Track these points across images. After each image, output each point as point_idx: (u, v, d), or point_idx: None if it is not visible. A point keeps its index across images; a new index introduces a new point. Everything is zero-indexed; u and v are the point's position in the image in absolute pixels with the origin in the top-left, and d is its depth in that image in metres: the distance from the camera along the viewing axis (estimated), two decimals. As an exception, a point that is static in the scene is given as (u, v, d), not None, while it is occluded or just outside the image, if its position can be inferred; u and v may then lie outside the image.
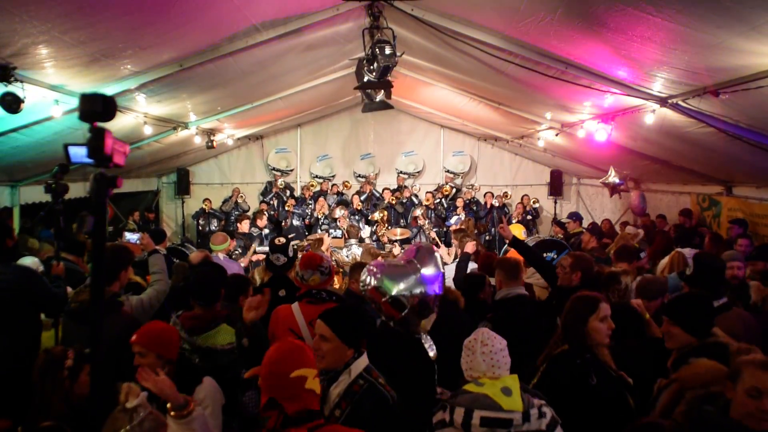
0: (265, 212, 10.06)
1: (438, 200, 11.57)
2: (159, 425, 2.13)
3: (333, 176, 12.80)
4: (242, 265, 6.92)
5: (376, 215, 10.59)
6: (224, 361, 2.91)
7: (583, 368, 2.54)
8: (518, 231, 6.58)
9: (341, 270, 6.28)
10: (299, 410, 1.91)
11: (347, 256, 6.88)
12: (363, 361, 2.36)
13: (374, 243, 9.48)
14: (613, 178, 8.06)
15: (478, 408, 2.13)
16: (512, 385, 2.20)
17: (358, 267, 4.15)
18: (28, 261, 4.36)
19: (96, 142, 1.32)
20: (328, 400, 2.26)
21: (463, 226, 7.78)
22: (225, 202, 11.75)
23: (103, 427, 2.12)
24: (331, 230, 9.21)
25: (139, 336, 2.56)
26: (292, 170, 12.76)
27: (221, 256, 5.94)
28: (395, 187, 12.34)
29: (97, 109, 1.32)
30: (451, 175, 12.70)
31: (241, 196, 11.74)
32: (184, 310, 3.15)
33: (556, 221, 10.29)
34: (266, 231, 9.48)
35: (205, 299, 3.11)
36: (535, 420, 2.12)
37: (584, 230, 7.98)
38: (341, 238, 7.77)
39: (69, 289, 3.92)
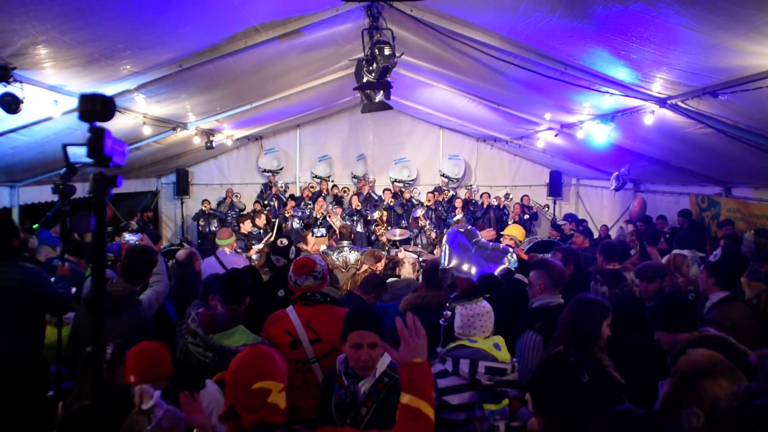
0: (263, 212, 10.06)
1: (438, 201, 11.56)
2: (178, 421, 2.14)
3: (332, 179, 12.78)
4: (247, 257, 6.97)
5: (375, 214, 10.57)
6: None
7: (576, 366, 2.53)
8: (517, 232, 6.58)
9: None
10: (254, 422, 1.82)
11: (337, 259, 6.79)
12: (387, 358, 2.35)
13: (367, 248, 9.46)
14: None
15: (481, 359, 2.60)
16: (500, 342, 2.72)
17: (378, 285, 4.06)
18: None
19: (96, 141, 1.32)
20: (356, 399, 2.31)
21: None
22: (220, 203, 11.77)
23: (122, 429, 2.13)
24: (315, 229, 9.15)
25: (138, 375, 2.47)
26: (282, 168, 12.72)
27: (227, 250, 5.95)
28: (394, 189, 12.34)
29: (96, 108, 1.32)
30: (446, 180, 12.69)
31: (236, 195, 11.75)
32: (204, 309, 3.17)
33: (553, 225, 10.31)
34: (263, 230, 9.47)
35: (229, 298, 3.13)
36: (516, 371, 2.68)
37: (576, 232, 8.02)
38: (326, 236, 7.67)
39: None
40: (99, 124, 1.33)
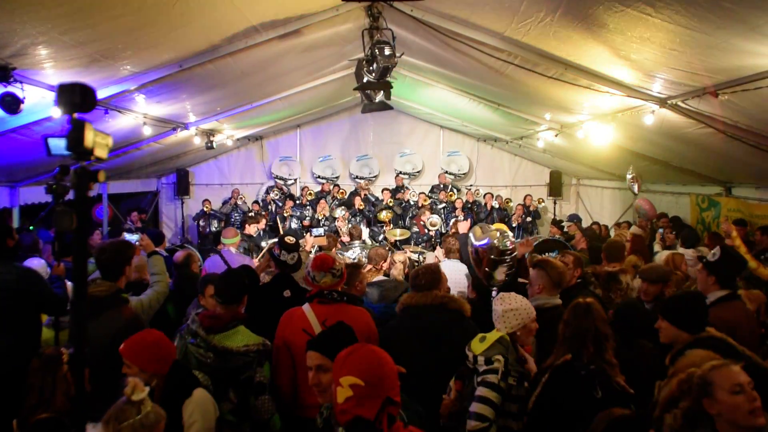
0: (263, 213, 10.06)
1: (443, 203, 11.54)
2: (160, 419, 2.17)
3: (336, 177, 12.78)
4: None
5: (383, 214, 10.57)
6: (239, 362, 2.91)
7: (588, 380, 2.49)
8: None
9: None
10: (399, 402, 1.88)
11: (353, 258, 6.88)
12: None
13: (378, 244, 9.50)
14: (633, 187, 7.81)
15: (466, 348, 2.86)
16: (490, 337, 2.79)
17: (350, 272, 4.10)
18: (35, 263, 4.35)
19: (75, 133, 1.25)
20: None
21: (454, 230, 7.76)
22: (225, 203, 11.76)
23: (108, 416, 2.13)
24: (313, 229, 9.17)
25: (126, 347, 2.52)
26: (295, 180, 12.74)
27: (232, 249, 5.96)
28: (394, 187, 12.32)
29: (75, 99, 1.26)
30: (451, 177, 12.69)
31: (241, 197, 11.73)
32: (204, 309, 3.16)
33: (554, 222, 10.31)
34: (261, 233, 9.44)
35: (227, 298, 3.13)
36: (480, 364, 2.70)
37: (579, 231, 8.02)
38: (323, 236, 7.70)
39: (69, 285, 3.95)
40: (79, 115, 1.27)
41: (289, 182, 12.62)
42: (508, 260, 3.66)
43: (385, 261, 5.20)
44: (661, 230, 7.76)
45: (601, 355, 2.56)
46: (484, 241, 3.81)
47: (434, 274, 3.34)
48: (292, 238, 4.04)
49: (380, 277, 4.63)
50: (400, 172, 12.78)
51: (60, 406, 2.51)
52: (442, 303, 3.20)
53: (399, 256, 5.00)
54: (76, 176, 1.29)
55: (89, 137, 1.27)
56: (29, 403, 2.48)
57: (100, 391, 2.40)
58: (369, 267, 5.35)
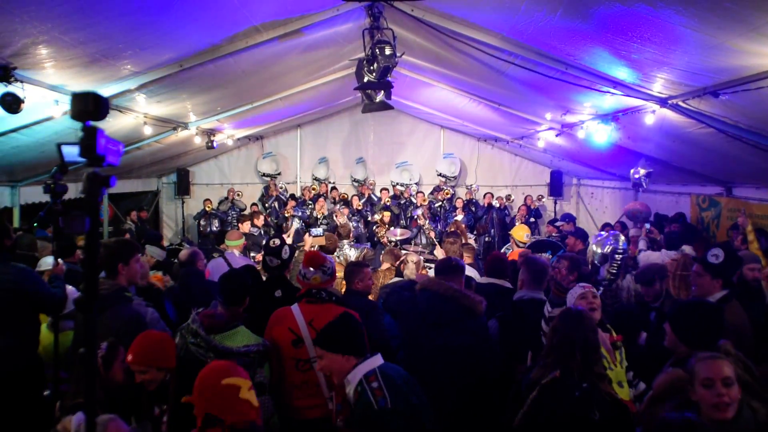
0: (261, 212, 10.05)
1: (439, 202, 11.54)
2: None
3: (333, 182, 12.75)
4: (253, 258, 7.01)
5: (377, 216, 10.58)
6: (239, 363, 2.92)
7: (584, 401, 2.35)
8: (522, 232, 6.58)
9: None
10: (242, 422, 1.82)
11: (338, 257, 6.80)
12: (364, 368, 2.40)
13: (367, 244, 9.49)
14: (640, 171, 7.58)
15: None
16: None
17: (353, 270, 4.05)
18: (50, 261, 4.34)
19: (88, 141, 1.31)
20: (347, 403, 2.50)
21: (453, 228, 7.74)
22: (221, 202, 11.79)
23: None
24: (313, 229, 9.18)
25: (135, 354, 2.55)
26: (279, 173, 12.71)
27: (236, 252, 5.96)
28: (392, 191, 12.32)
29: (88, 108, 1.32)
30: (443, 179, 12.68)
31: (238, 194, 11.74)
32: (204, 308, 3.17)
33: (550, 222, 10.31)
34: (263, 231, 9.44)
35: (228, 298, 3.13)
36: None
37: (570, 234, 7.97)
38: (322, 236, 7.69)
39: (70, 288, 3.95)
40: (92, 123, 1.33)
41: (275, 177, 12.46)
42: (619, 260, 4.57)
43: (398, 260, 5.22)
44: (647, 226, 7.73)
45: (590, 368, 2.45)
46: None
47: (458, 261, 3.50)
48: (276, 241, 3.96)
49: (395, 279, 4.66)
50: (397, 183, 12.62)
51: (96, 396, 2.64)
52: (453, 296, 3.17)
53: (412, 257, 5.02)
54: (88, 182, 1.34)
55: (102, 144, 1.33)
56: (71, 393, 2.60)
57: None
58: (386, 266, 5.37)
